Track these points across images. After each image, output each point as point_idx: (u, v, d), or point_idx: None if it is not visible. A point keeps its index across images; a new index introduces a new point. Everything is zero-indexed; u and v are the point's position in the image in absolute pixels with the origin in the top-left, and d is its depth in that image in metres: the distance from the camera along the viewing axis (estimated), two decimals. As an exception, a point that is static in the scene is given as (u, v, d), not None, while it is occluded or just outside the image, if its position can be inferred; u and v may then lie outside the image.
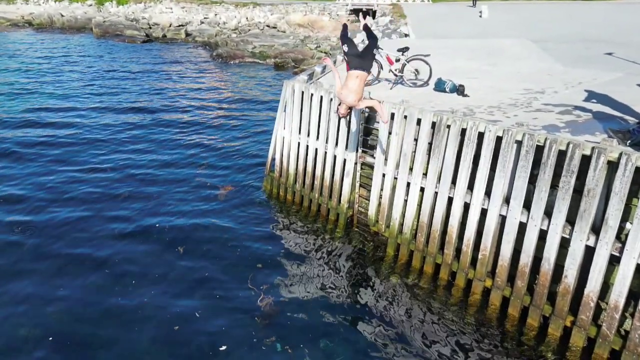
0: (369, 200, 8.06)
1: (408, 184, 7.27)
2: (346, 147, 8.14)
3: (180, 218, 8.84)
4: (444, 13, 28.55)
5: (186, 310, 6.34)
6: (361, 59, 6.14)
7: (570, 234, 5.46)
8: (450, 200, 6.73)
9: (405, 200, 7.38)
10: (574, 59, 11.52)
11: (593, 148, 5.16)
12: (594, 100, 7.54)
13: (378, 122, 7.56)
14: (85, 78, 21.14)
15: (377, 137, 7.65)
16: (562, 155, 5.43)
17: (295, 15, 36.27)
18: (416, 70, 8.93)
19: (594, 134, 6.00)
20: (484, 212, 6.34)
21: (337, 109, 6.40)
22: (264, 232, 8.53)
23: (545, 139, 5.54)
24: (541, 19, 22.88)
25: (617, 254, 5.16)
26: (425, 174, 7.02)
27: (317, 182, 8.80)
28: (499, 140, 6.04)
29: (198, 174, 10.87)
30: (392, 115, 7.28)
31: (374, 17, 30.58)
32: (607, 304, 5.37)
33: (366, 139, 7.96)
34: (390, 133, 7.42)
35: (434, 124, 6.76)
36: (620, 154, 4.99)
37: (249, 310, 6.38)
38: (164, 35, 35.18)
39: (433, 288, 6.87)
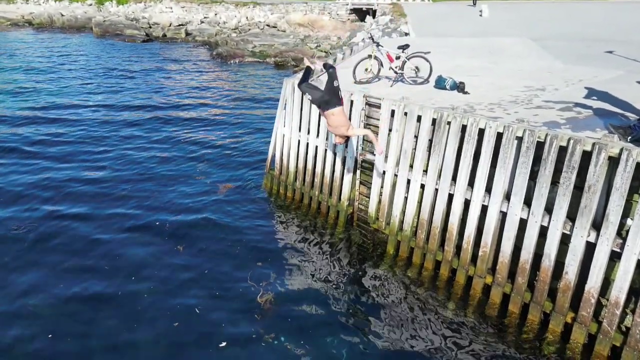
0: (369, 198, 8.04)
1: (408, 181, 7.26)
2: (346, 145, 8.11)
3: (180, 215, 8.83)
4: (444, 12, 28.55)
5: (185, 307, 6.33)
6: (328, 98, 6.14)
7: (571, 230, 5.45)
8: (450, 197, 6.72)
9: (406, 198, 7.37)
10: (575, 57, 11.52)
11: (594, 144, 5.15)
12: (595, 98, 7.53)
13: (378, 120, 7.55)
14: (86, 76, 21.16)
15: (378, 134, 7.63)
16: (562, 151, 5.42)
17: (295, 14, 36.26)
18: (416, 67, 8.92)
19: (594, 130, 5.98)
20: (484, 209, 6.33)
21: (334, 138, 6.58)
22: (263, 230, 8.51)
23: (546, 135, 5.53)
24: (541, 18, 22.89)
25: (618, 250, 5.15)
26: (425, 171, 7.01)
27: (317, 180, 8.78)
28: (499, 136, 6.03)
29: (198, 171, 10.87)
30: (393, 112, 7.27)
31: (374, 17, 30.57)
32: (607, 300, 5.36)
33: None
34: (390, 130, 7.40)
35: (434, 121, 6.75)
36: (621, 150, 4.98)
37: (248, 306, 6.37)
38: (164, 35, 35.21)
39: (433, 285, 6.86)
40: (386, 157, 7.51)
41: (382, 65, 9.12)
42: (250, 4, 44.97)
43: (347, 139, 6.69)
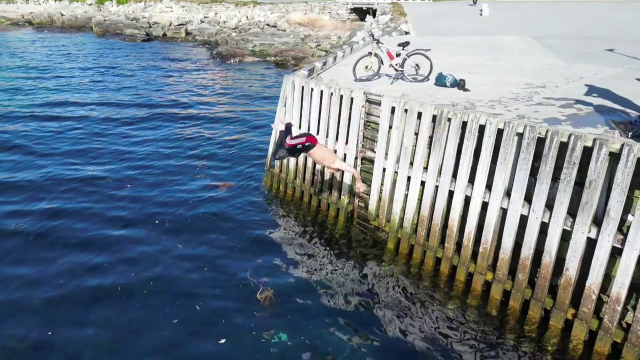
0: (369, 195, 8.03)
1: (409, 178, 7.25)
2: (346, 142, 8.12)
3: (180, 212, 8.82)
4: (445, 11, 28.54)
5: (184, 304, 6.31)
6: (290, 150, 6.14)
7: (572, 226, 5.44)
8: (451, 194, 6.71)
9: (406, 195, 7.36)
10: (575, 55, 11.51)
11: (595, 139, 5.14)
12: (595, 94, 7.53)
13: (379, 117, 7.55)
14: (86, 75, 21.18)
15: (378, 131, 7.63)
16: (563, 147, 5.41)
17: (295, 14, 36.27)
18: (417, 65, 8.91)
19: (595, 126, 5.98)
20: (484, 206, 6.32)
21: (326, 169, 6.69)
22: (264, 227, 8.50)
23: (547, 131, 5.52)
24: (542, 17, 22.88)
25: (619, 246, 5.13)
26: (425, 168, 7.00)
27: (317, 177, 8.77)
28: (499, 133, 6.02)
29: (198, 169, 10.86)
30: (393, 109, 7.26)
31: (374, 16, 30.56)
32: (608, 296, 5.34)
33: (366, 133, 7.93)
34: (390, 127, 7.39)
35: (434, 118, 6.74)
36: (622, 145, 4.96)
37: (248, 303, 6.36)
38: (164, 34, 35.23)
39: (434, 282, 6.85)
40: (386, 154, 7.50)
41: (382, 62, 9.12)
42: (250, 4, 44.98)
43: (338, 170, 6.80)
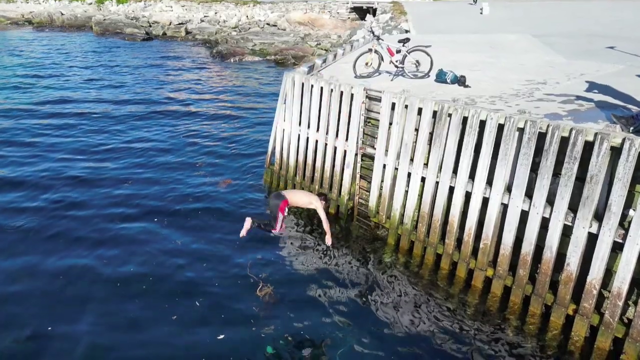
0: (369, 192, 8.02)
1: (409, 174, 7.24)
2: (346, 139, 8.10)
3: (179, 210, 8.80)
4: (445, 10, 28.51)
5: (183, 301, 6.30)
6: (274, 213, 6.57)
7: (573, 221, 5.43)
8: (451, 190, 6.70)
9: (406, 191, 7.34)
10: (577, 53, 11.50)
11: (596, 134, 5.12)
12: (596, 91, 7.51)
13: (379, 113, 7.53)
14: (86, 72, 21.20)
15: (378, 127, 7.62)
16: (564, 142, 5.40)
17: (295, 13, 36.27)
18: (417, 61, 8.89)
19: (596, 121, 5.96)
20: (485, 202, 6.31)
21: None
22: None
23: (548, 126, 5.50)
24: (543, 16, 22.86)
25: (620, 241, 5.12)
26: (426, 164, 6.99)
27: (317, 174, 8.76)
28: (500, 128, 6.00)
29: (197, 167, 10.85)
30: (393, 105, 7.25)
31: (374, 15, 30.55)
32: (609, 291, 5.33)
33: (366, 129, 7.92)
34: (391, 123, 7.38)
35: (435, 113, 6.73)
36: (624, 140, 4.95)
37: (248, 300, 6.34)
38: (164, 34, 35.24)
39: (434, 278, 6.84)
40: (386, 150, 7.49)
41: (382, 59, 9.09)
42: (250, 3, 44.96)
43: (326, 203, 7.03)
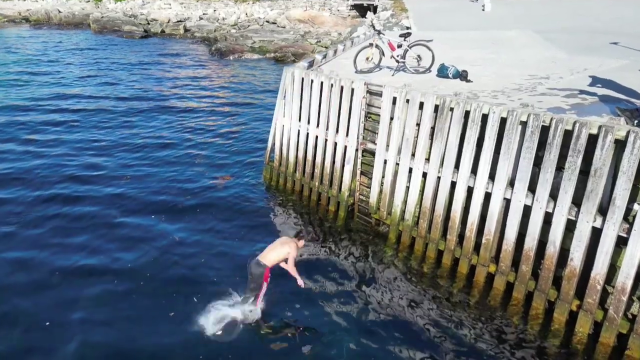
0: (370, 188, 7.99)
1: (410, 170, 7.21)
2: (347, 134, 8.06)
3: (177, 206, 8.78)
4: (446, 7, 28.44)
5: (181, 296, 6.27)
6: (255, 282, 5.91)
7: (577, 215, 5.39)
8: (453, 185, 6.67)
9: (408, 187, 7.31)
10: (579, 48, 11.47)
11: (600, 127, 5.09)
12: (600, 85, 7.49)
13: (380, 108, 7.50)
14: (84, 69, 21.18)
15: (379, 122, 7.58)
16: (568, 136, 5.36)
17: (295, 10, 36.21)
18: (418, 56, 8.85)
19: (600, 115, 5.93)
20: (487, 196, 6.28)
21: None
22: (263, 222, 8.46)
23: (551, 119, 5.47)
24: (545, 14, 22.81)
25: (625, 235, 5.09)
26: (427, 159, 6.95)
27: (317, 171, 8.72)
28: (503, 122, 5.97)
29: (196, 163, 10.82)
30: (394, 99, 7.21)
31: (375, 12, 30.51)
32: (614, 287, 5.29)
33: (367, 125, 7.88)
34: (392, 118, 7.35)
35: (436, 107, 6.69)
36: (628, 132, 4.92)
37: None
38: (163, 31, 35.16)
39: (435, 275, 6.81)
40: (387, 145, 7.45)
41: (383, 54, 9.06)
42: (250, 0, 44.91)
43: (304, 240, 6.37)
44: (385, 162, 7.56)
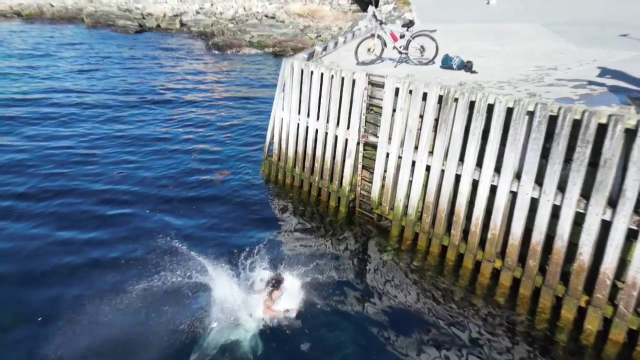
0: (371, 183, 7.96)
1: (413, 163, 7.18)
2: (348, 127, 8.04)
3: (173, 201, 8.74)
4: (450, 0, 28.44)
5: (176, 291, 6.23)
6: None
7: (585, 208, 5.37)
8: (457, 178, 6.64)
9: (410, 181, 7.29)
10: (588, 40, 11.43)
11: (610, 116, 5.07)
12: (609, 76, 7.46)
13: (382, 99, 7.47)
14: (77, 63, 21.15)
15: (381, 115, 7.55)
16: (576, 126, 5.34)
17: (294, 4, 36.19)
18: (422, 47, 8.82)
19: (610, 105, 5.90)
20: (493, 189, 6.25)
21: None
22: (261, 218, 8.42)
23: (559, 109, 5.45)
24: (552, 7, 22.78)
25: (635, 228, 5.07)
26: (431, 152, 6.93)
27: (317, 165, 8.70)
28: (509, 112, 5.95)
29: (192, 159, 10.79)
30: (397, 90, 7.19)
31: (376, 6, 30.48)
32: (624, 282, 5.28)
33: (369, 117, 7.85)
34: (394, 110, 7.32)
35: (440, 98, 6.66)
36: (639, 122, 4.90)
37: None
38: (158, 26, 35.12)
39: (439, 271, 6.78)
40: (390, 138, 7.43)
41: (385, 45, 9.03)
42: (248, -5, 44.86)
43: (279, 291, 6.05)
44: (387, 155, 7.53)
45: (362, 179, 8.20)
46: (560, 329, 5.63)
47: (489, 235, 6.34)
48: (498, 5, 23.92)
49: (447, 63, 8.42)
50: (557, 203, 5.62)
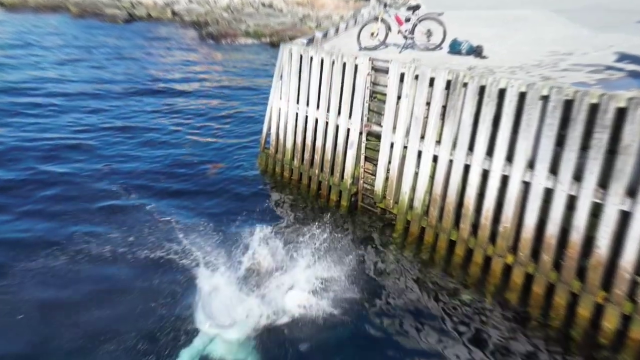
0: (375, 175, 7.89)
1: (419, 153, 7.11)
2: (350, 116, 7.96)
3: (165, 197, 8.66)
4: (456, -12, 28.37)
5: (171, 287, 6.18)
6: None
7: (603, 198, 5.30)
8: (466, 168, 6.57)
9: (416, 172, 7.22)
10: (602, 25, 11.41)
11: (629, 99, 5.01)
12: (628, 61, 7.41)
13: (386, 86, 7.39)
14: (62, 53, 20.99)
15: (385, 102, 7.48)
16: (593, 111, 5.27)
17: (292, -8, 36.04)
18: (428, 31, 8.74)
19: (629, 89, 5.82)
20: (504, 180, 6.18)
21: None
22: (258, 214, 8.32)
23: (575, 92, 5.38)
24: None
25: (657, 219, 5.00)
26: (438, 141, 6.86)
27: (317, 157, 8.62)
28: (522, 97, 5.87)
29: (185, 151, 10.71)
30: (402, 76, 7.11)
31: (379, -6, 30.39)
32: (644, 276, 5.21)
33: (372, 105, 7.77)
34: (399, 97, 7.24)
35: (449, 84, 6.59)
36: (661, 105, 4.83)
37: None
38: (149, 15, 34.98)
39: (447, 267, 6.73)
40: (394, 127, 7.35)
41: (390, 29, 8.95)
42: (243, -18, 44.73)
43: None
44: (392, 145, 7.46)
45: (364, 171, 8.13)
46: (576, 327, 5.57)
47: (500, 229, 6.27)
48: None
49: (455, 48, 8.35)
50: (573, 193, 5.55)
